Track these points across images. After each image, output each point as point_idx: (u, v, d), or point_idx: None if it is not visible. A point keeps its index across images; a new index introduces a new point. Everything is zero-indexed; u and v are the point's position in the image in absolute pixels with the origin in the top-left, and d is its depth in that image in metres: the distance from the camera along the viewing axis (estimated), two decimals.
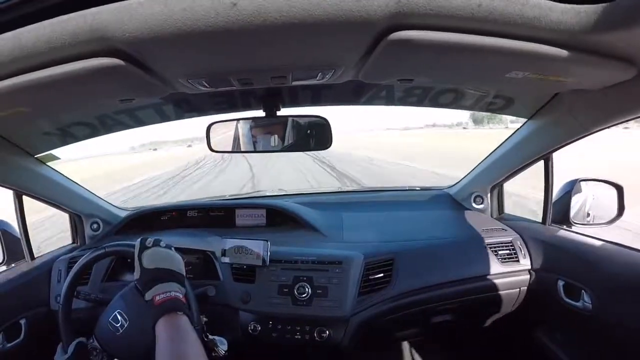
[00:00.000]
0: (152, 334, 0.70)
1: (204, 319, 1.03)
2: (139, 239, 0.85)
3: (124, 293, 0.86)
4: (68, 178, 1.25)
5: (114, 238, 1.31)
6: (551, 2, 0.45)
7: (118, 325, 0.82)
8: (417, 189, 1.62)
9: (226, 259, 1.16)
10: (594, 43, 0.50)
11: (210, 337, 1.06)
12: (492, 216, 1.39)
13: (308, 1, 0.42)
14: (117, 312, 0.84)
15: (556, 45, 0.50)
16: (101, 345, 0.83)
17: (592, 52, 0.52)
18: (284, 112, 1.07)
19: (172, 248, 0.87)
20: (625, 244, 1.01)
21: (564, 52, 0.51)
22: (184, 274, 0.83)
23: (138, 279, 0.79)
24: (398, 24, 0.46)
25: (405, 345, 1.44)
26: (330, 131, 1.06)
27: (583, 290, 1.04)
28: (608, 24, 0.44)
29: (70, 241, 1.39)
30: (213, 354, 1.09)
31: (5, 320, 1.04)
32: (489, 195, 1.38)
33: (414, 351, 1.45)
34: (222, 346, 1.02)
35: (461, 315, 1.28)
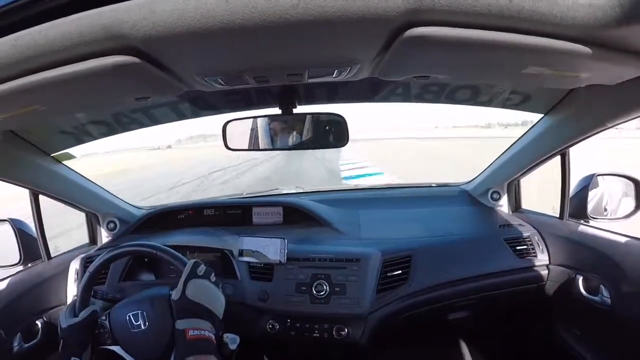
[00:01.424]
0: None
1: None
2: (192, 261, 0.86)
3: (155, 297, 0.86)
4: (84, 177, 1.25)
5: (130, 237, 1.30)
6: None
7: (137, 323, 0.82)
8: (434, 185, 1.62)
9: (243, 258, 1.16)
10: (610, 38, 0.50)
11: (226, 335, 1.06)
12: (509, 212, 1.39)
13: None
14: (140, 312, 0.84)
15: (573, 41, 0.50)
16: (111, 329, 0.83)
17: (609, 47, 0.52)
18: (299, 109, 1.06)
19: (220, 286, 0.89)
20: None
21: (580, 48, 0.51)
22: (221, 317, 0.84)
23: (176, 301, 0.80)
24: (415, 20, 0.46)
25: (424, 342, 1.44)
26: (347, 128, 1.06)
27: (602, 285, 1.04)
28: (625, 18, 0.44)
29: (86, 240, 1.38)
30: (222, 352, 1.09)
31: (22, 320, 1.04)
32: (505, 190, 1.38)
33: (433, 348, 1.44)
34: (233, 344, 1.02)
35: (479, 311, 1.28)
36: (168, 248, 0.90)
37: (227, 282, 1.16)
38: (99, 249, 1.22)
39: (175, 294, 0.81)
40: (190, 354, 0.71)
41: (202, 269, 0.84)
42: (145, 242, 0.92)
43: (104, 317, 0.84)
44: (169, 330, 0.81)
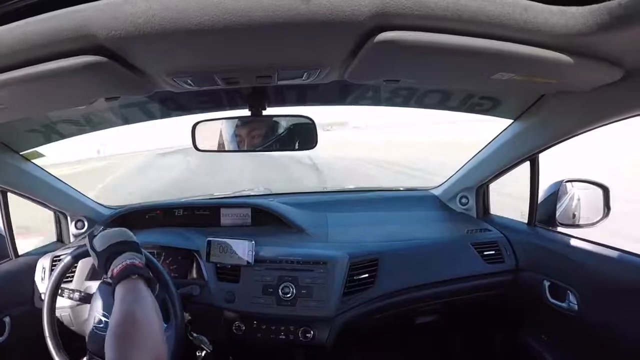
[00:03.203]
0: None
1: (188, 317, 1.02)
2: (87, 234, 0.86)
3: (96, 293, 0.86)
4: (53, 175, 1.25)
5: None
6: (539, 4, 0.45)
7: (102, 326, 0.82)
8: (403, 189, 1.62)
9: (211, 259, 1.16)
10: (581, 45, 0.50)
11: (195, 335, 1.06)
12: (477, 217, 1.39)
13: (292, 0, 0.42)
14: (96, 312, 0.84)
15: (543, 47, 0.50)
16: (96, 354, 0.82)
17: (579, 54, 0.52)
18: (269, 111, 1.07)
19: None
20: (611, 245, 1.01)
21: (550, 54, 0.51)
22: (136, 240, 0.82)
23: (99, 265, 0.79)
24: (384, 25, 0.46)
25: (390, 345, 1.44)
26: (316, 131, 1.06)
27: (569, 291, 1.04)
28: (595, 26, 0.44)
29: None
30: (198, 353, 1.09)
31: None
32: (474, 195, 1.38)
33: (399, 352, 1.44)
34: (208, 345, 1.02)
35: (446, 315, 1.27)
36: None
37: (194, 283, 1.16)
38: (66, 248, 1.22)
39: (96, 264, 0.80)
40: (117, 283, 0.69)
41: (97, 228, 0.84)
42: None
43: (87, 357, 0.83)
44: None
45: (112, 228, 0.84)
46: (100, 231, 0.83)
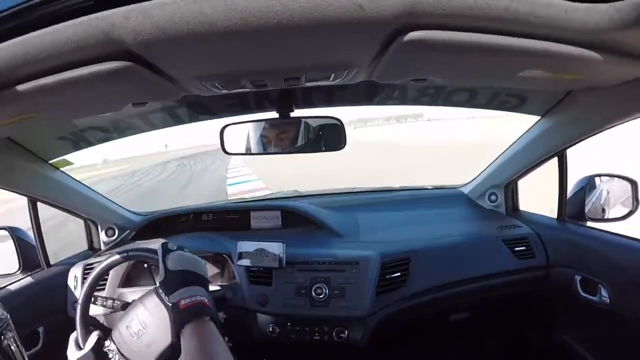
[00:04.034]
0: (176, 340, 0.68)
1: (223, 316, 1.02)
2: (161, 243, 0.84)
3: (143, 298, 0.85)
4: (82, 183, 1.25)
5: (129, 243, 1.30)
6: (563, 0, 0.45)
7: (136, 330, 0.81)
8: (432, 188, 1.62)
9: (242, 262, 1.16)
10: (607, 41, 0.50)
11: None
12: (507, 213, 1.39)
13: (319, 2, 0.42)
14: (135, 317, 0.83)
15: (570, 44, 0.50)
16: (119, 350, 0.82)
17: (605, 50, 0.52)
18: (297, 113, 1.07)
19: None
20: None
21: (578, 51, 0.51)
22: (208, 279, 0.82)
23: (162, 281, 0.77)
24: (411, 24, 0.46)
25: (424, 344, 1.44)
26: (344, 132, 1.06)
27: (600, 285, 1.04)
28: (621, 23, 0.44)
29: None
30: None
31: (23, 329, 1.04)
32: (503, 192, 1.38)
33: (432, 350, 1.45)
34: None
35: (478, 312, 1.28)
36: (138, 247, 0.89)
37: (226, 286, 1.16)
38: (97, 256, 1.22)
39: (159, 277, 0.78)
40: (187, 321, 0.67)
41: (172, 244, 0.82)
42: (147, 247, 0.91)
43: (107, 342, 0.83)
44: (167, 316, 0.78)
45: (189, 253, 0.82)
46: (177, 248, 0.82)
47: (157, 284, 0.81)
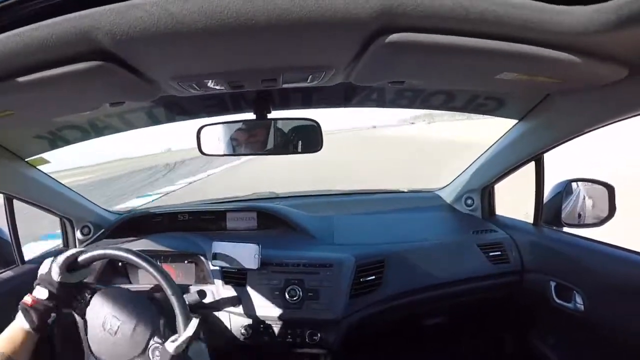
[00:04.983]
0: None
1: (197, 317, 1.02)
2: (197, 321, 0.76)
3: (107, 297, 0.83)
4: (58, 182, 1.25)
5: (105, 242, 1.30)
6: (542, 3, 0.45)
7: (108, 328, 0.81)
8: (408, 191, 1.62)
9: (217, 262, 1.16)
10: (585, 44, 0.50)
11: None
12: (483, 217, 1.39)
13: (297, 2, 0.42)
14: (109, 318, 0.83)
15: (547, 47, 0.50)
16: (85, 311, 0.82)
17: (584, 53, 0.52)
18: (275, 114, 1.07)
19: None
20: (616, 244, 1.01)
21: (555, 53, 0.51)
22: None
23: (174, 355, 0.73)
24: (389, 26, 0.46)
25: (398, 348, 1.44)
26: (321, 134, 1.06)
27: (575, 292, 1.04)
28: (600, 25, 0.44)
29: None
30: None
31: None
32: (479, 196, 1.38)
33: (406, 354, 1.44)
34: None
35: (453, 317, 1.28)
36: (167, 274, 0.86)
37: (200, 287, 1.16)
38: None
39: (172, 346, 0.73)
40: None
41: (201, 331, 0.81)
42: (143, 255, 0.87)
43: (88, 292, 0.83)
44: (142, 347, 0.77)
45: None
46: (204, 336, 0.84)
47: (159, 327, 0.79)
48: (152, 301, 0.86)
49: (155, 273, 0.79)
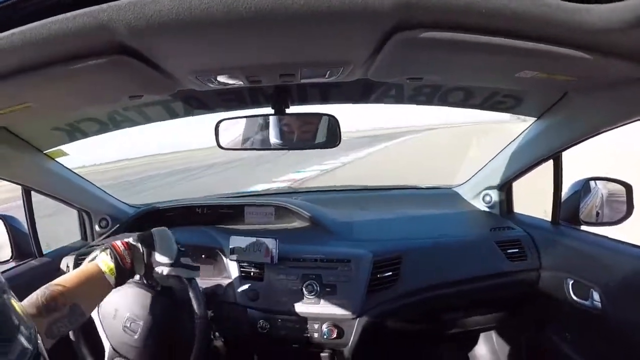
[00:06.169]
0: None
1: (211, 314, 1.03)
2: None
3: (126, 293, 0.87)
4: (77, 174, 1.25)
5: (123, 235, 1.30)
6: (562, 1, 0.44)
7: (133, 328, 0.86)
8: (426, 187, 1.62)
9: (234, 257, 1.16)
10: (603, 42, 0.50)
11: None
12: (501, 215, 1.39)
13: None
14: (129, 314, 0.85)
15: (566, 45, 0.50)
16: (121, 354, 0.86)
17: (602, 51, 0.52)
18: (292, 109, 1.07)
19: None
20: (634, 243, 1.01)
21: (573, 52, 0.51)
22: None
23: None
24: (407, 22, 0.46)
25: (414, 344, 1.44)
26: (340, 129, 1.06)
27: (592, 289, 1.03)
28: (618, 24, 0.44)
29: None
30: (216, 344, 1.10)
31: None
32: (497, 194, 1.38)
33: (422, 349, 1.45)
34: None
35: (470, 314, 1.28)
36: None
37: (217, 281, 1.16)
38: (91, 246, 1.22)
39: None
40: None
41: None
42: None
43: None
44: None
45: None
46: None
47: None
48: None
49: None
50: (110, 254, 0.77)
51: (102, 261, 0.76)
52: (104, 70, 0.51)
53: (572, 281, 1.10)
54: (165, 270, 0.84)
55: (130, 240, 0.84)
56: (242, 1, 0.41)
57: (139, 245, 0.83)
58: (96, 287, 0.74)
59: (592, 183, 1.18)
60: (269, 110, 1.07)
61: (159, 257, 0.84)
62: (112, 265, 0.76)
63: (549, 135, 1.11)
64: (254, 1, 0.41)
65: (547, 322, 1.25)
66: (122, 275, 0.78)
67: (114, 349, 0.94)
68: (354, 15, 0.43)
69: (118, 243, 0.81)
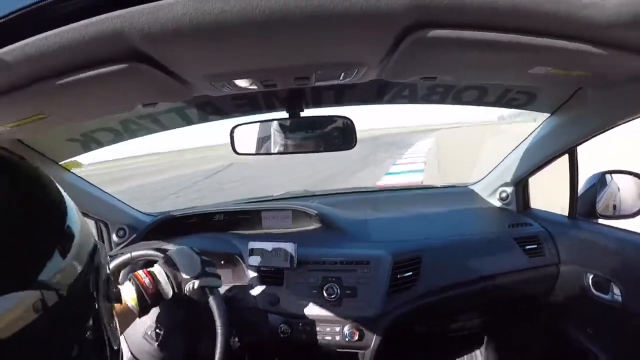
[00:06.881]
0: None
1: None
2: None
3: None
4: (92, 184, 1.25)
5: (141, 244, 1.30)
6: None
7: (154, 337, 0.86)
8: (442, 186, 1.62)
9: (253, 262, 1.16)
10: (615, 37, 0.50)
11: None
12: (517, 211, 1.39)
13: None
14: (151, 323, 0.85)
15: (580, 40, 0.50)
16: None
17: (613, 46, 0.52)
18: (307, 112, 1.06)
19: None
20: None
21: (588, 47, 0.51)
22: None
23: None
24: (421, 22, 0.46)
25: (437, 342, 1.44)
26: (355, 131, 1.06)
27: (612, 283, 1.04)
28: (629, 18, 0.44)
29: None
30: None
31: None
32: (513, 190, 1.38)
33: (446, 348, 1.45)
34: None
35: (490, 311, 1.28)
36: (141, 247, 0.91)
37: (237, 287, 1.16)
38: (110, 256, 1.22)
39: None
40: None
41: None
42: (152, 246, 0.92)
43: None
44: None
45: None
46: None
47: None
48: None
49: None
50: (133, 283, 0.80)
51: (125, 293, 0.79)
52: (119, 78, 0.51)
53: (591, 275, 1.10)
54: (195, 284, 0.85)
55: (153, 269, 0.85)
56: (256, 5, 0.41)
57: (162, 269, 0.85)
58: (121, 318, 0.76)
59: (607, 176, 1.18)
60: (283, 114, 1.06)
61: (185, 274, 0.85)
62: (135, 296, 0.79)
63: (564, 130, 1.11)
64: (268, 4, 0.41)
65: (568, 316, 1.25)
66: (145, 304, 0.80)
67: (133, 356, 0.94)
68: (369, 16, 0.43)
69: (140, 273, 0.82)
